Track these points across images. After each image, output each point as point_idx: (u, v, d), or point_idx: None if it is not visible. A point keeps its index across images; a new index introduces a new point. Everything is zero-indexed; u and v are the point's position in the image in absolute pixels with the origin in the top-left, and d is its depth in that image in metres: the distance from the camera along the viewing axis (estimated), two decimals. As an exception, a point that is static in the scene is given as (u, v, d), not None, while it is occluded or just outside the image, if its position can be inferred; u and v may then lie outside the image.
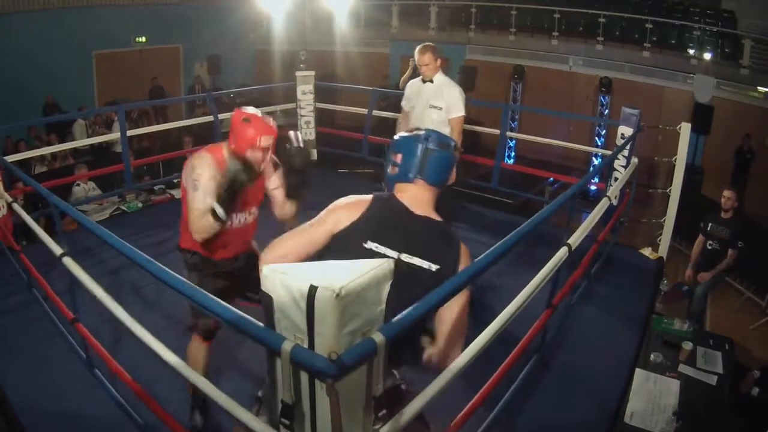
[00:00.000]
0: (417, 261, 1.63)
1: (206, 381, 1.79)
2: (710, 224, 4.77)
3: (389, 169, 1.78)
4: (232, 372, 2.85)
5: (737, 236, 4.60)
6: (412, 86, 3.98)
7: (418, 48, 3.82)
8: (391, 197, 1.73)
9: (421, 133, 1.76)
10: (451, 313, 1.63)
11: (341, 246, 1.63)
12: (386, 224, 1.66)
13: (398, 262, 1.56)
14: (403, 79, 5.86)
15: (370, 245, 1.62)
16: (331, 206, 1.71)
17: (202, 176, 2.21)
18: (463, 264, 1.68)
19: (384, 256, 1.60)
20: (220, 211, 2.15)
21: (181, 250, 2.46)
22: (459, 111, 3.72)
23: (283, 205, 2.48)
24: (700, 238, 4.89)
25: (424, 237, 1.67)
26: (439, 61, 3.81)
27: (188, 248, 2.41)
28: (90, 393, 2.66)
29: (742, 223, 4.74)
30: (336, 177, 6.16)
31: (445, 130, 3.78)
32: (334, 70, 11.58)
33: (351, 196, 1.75)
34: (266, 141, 2.26)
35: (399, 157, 1.75)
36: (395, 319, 1.34)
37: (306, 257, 1.63)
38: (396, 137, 1.82)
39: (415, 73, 5.63)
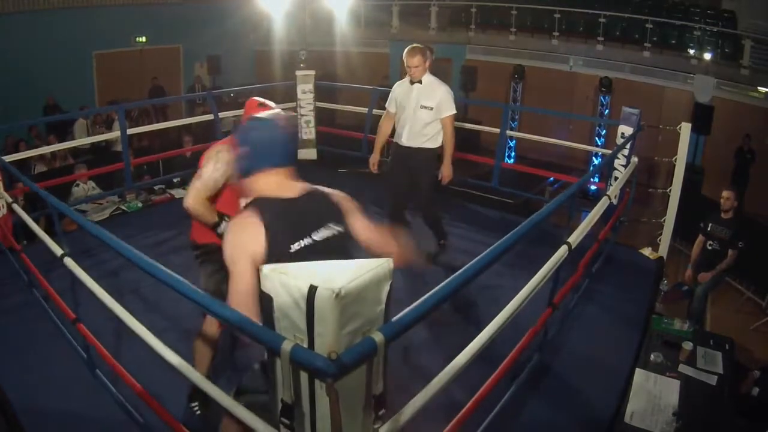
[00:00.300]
0: (325, 233, 1.71)
1: (207, 381, 1.79)
2: (710, 224, 4.77)
3: (237, 164, 1.79)
4: (233, 371, 2.85)
5: (737, 236, 4.60)
6: (401, 87, 3.97)
7: (406, 50, 3.82)
8: (262, 200, 1.71)
9: (254, 122, 1.79)
10: (368, 236, 1.80)
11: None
12: (287, 222, 1.66)
13: (316, 244, 1.67)
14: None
15: (294, 248, 1.64)
16: (227, 249, 1.64)
17: (219, 160, 2.33)
18: (345, 201, 1.80)
19: (307, 246, 1.65)
20: (224, 225, 2.30)
21: (197, 245, 2.49)
22: (449, 110, 3.77)
23: None
24: (700, 238, 4.89)
25: (315, 210, 1.74)
26: (428, 63, 3.82)
27: (205, 242, 2.44)
28: (91, 393, 2.66)
29: (742, 224, 4.74)
30: (336, 176, 6.16)
31: (437, 129, 3.84)
32: (334, 70, 11.58)
33: (232, 224, 1.74)
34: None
35: (243, 150, 1.75)
36: (395, 318, 1.34)
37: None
38: (236, 132, 1.84)
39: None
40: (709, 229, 4.77)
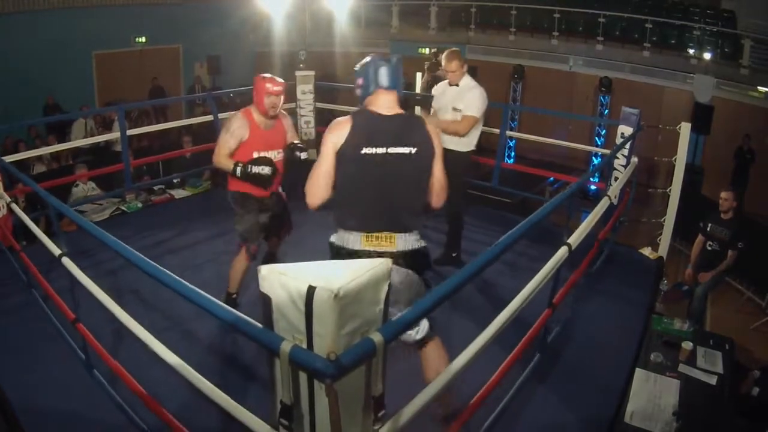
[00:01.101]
0: (400, 150, 2.08)
1: (207, 382, 1.79)
2: (710, 225, 4.76)
3: (357, 92, 2.23)
4: (232, 372, 2.85)
5: (737, 237, 4.59)
6: (439, 90, 4.13)
7: (444, 54, 3.98)
8: (364, 110, 2.16)
9: (368, 59, 2.21)
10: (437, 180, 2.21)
11: (345, 159, 2.07)
12: (369, 130, 2.08)
13: (387, 155, 2.06)
14: (421, 84, 5.82)
15: (365, 150, 2.05)
16: (324, 137, 2.12)
17: (232, 125, 3.10)
18: (435, 136, 2.15)
19: (378, 154, 2.05)
20: (239, 169, 3.06)
21: (228, 192, 3.25)
22: (471, 111, 3.79)
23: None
24: (700, 238, 4.88)
25: (398, 130, 2.10)
26: (464, 67, 3.93)
27: (232, 190, 3.22)
28: (90, 393, 2.66)
29: (741, 224, 4.74)
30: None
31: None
32: (334, 71, 11.58)
33: (334, 120, 2.15)
34: (276, 87, 3.11)
35: (360, 81, 2.21)
36: (394, 318, 1.34)
37: (331, 181, 2.11)
38: (355, 68, 2.26)
39: (433, 78, 5.61)
40: (708, 229, 4.77)
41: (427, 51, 12.19)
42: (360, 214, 2.14)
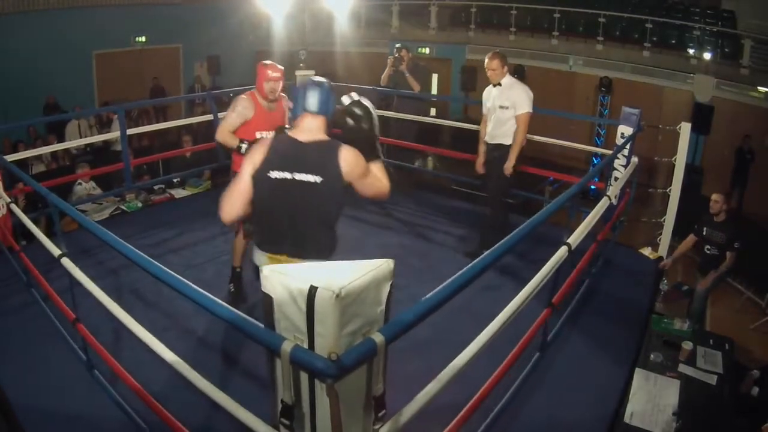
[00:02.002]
0: (305, 177, 2.09)
1: (207, 382, 1.79)
2: (705, 229, 4.74)
3: (288, 114, 2.34)
4: (232, 371, 2.86)
5: (733, 238, 4.59)
6: (487, 91, 4.33)
7: (488, 55, 4.20)
8: (284, 134, 2.25)
9: (302, 81, 2.30)
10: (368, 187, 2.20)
11: (257, 180, 2.13)
12: (282, 154, 2.13)
13: (293, 181, 2.09)
14: (383, 76, 5.96)
15: (273, 174, 2.11)
16: (246, 156, 2.22)
17: (238, 105, 3.31)
18: (345, 165, 2.09)
19: (284, 179, 2.09)
20: (244, 146, 3.20)
21: (233, 173, 3.24)
22: (523, 108, 4.03)
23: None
24: (691, 237, 4.87)
25: (309, 157, 2.12)
26: (505, 68, 4.13)
27: (236, 170, 3.13)
28: (90, 393, 2.66)
29: (736, 225, 4.73)
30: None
31: (515, 128, 4.10)
32: (334, 70, 11.58)
33: (254, 144, 2.27)
34: (275, 74, 3.28)
35: (291, 104, 2.25)
36: (394, 319, 1.34)
37: (247, 198, 2.15)
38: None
39: (395, 72, 5.78)
40: (704, 233, 4.76)
41: (427, 51, 12.22)
42: (265, 235, 2.24)
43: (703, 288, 4.67)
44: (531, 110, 4.05)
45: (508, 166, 4.14)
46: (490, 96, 4.26)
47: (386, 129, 6.11)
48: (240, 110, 3.30)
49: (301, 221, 2.14)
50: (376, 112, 2.28)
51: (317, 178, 2.08)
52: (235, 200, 2.14)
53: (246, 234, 3.36)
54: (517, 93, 4.05)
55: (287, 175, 2.09)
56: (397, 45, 5.95)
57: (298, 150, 2.12)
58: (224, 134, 3.30)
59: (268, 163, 2.11)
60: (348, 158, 2.10)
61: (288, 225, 2.15)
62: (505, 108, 4.09)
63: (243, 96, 3.37)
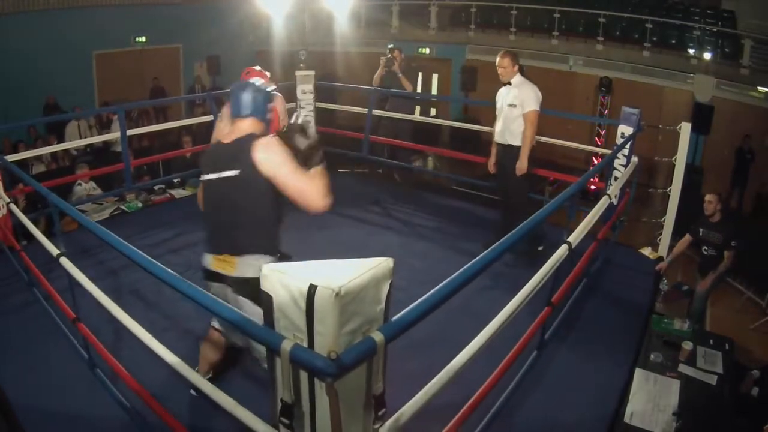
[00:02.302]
0: (227, 173, 2.17)
1: (207, 382, 1.79)
2: (701, 230, 4.73)
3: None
4: (232, 371, 2.85)
5: (729, 238, 4.58)
6: (498, 91, 4.36)
7: (499, 53, 4.31)
8: (218, 140, 2.37)
9: (234, 84, 2.34)
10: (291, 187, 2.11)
11: (201, 186, 2.34)
12: (211, 158, 2.30)
13: (219, 180, 2.20)
14: (375, 77, 5.98)
15: (205, 176, 2.28)
16: None
17: (224, 111, 3.24)
18: (257, 154, 2.11)
19: (212, 179, 2.23)
20: None
21: None
22: (530, 106, 4.07)
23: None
24: (686, 237, 4.86)
25: (228, 155, 2.21)
26: (516, 67, 4.22)
27: None
28: (91, 393, 2.66)
29: (732, 224, 4.71)
30: (336, 177, 6.16)
31: (521, 126, 4.13)
32: (334, 71, 11.58)
33: None
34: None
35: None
36: (394, 318, 1.34)
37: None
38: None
39: (387, 72, 5.82)
40: (701, 234, 4.74)
41: (427, 51, 12.21)
42: (207, 236, 2.32)
43: (703, 289, 4.66)
44: (538, 109, 4.07)
45: (520, 166, 4.15)
46: (500, 95, 4.31)
47: (378, 128, 6.13)
48: (224, 114, 3.27)
49: (232, 217, 2.21)
50: (312, 129, 2.39)
51: (235, 172, 2.16)
52: (200, 198, 2.39)
53: None
54: (525, 92, 4.09)
55: (213, 176, 2.23)
56: (390, 45, 5.98)
57: (222, 150, 2.25)
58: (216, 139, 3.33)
59: (203, 168, 2.30)
60: (261, 148, 2.13)
61: (222, 223, 2.24)
62: (513, 106, 4.13)
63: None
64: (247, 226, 2.21)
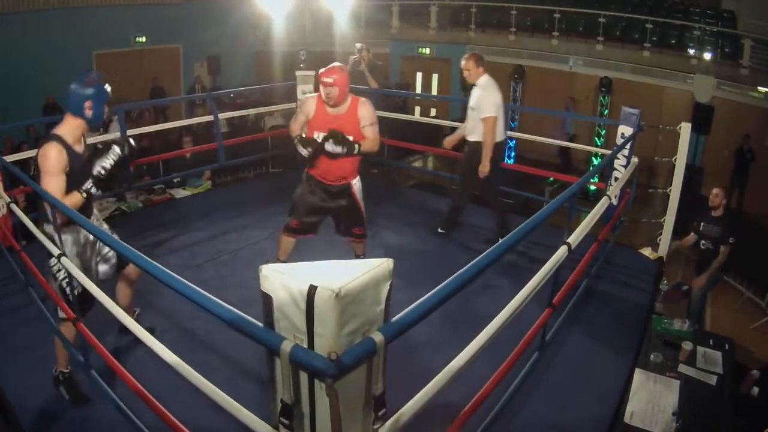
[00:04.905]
0: None
1: (207, 382, 1.79)
2: (702, 224, 4.77)
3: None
4: (232, 371, 2.85)
5: (728, 233, 4.60)
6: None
7: (463, 56, 4.26)
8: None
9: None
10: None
11: None
12: None
13: None
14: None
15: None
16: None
17: (304, 102, 3.41)
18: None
19: None
20: (303, 151, 3.20)
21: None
22: (484, 112, 4.09)
23: (367, 142, 3.32)
24: (692, 235, 4.89)
25: None
26: (480, 69, 4.18)
27: (306, 169, 3.48)
28: (90, 393, 2.66)
29: (732, 220, 4.75)
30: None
31: (480, 128, 4.16)
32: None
33: None
34: (327, 79, 3.19)
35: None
36: (394, 319, 1.34)
37: None
38: None
39: (354, 72, 5.89)
40: (701, 228, 4.78)
41: (427, 51, 12.22)
42: None
43: (698, 288, 4.68)
44: (494, 114, 4.07)
45: (482, 169, 4.19)
46: (469, 95, 4.35)
47: (386, 128, 6.12)
48: (302, 106, 3.39)
49: None
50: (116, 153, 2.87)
51: None
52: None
53: (286, 230, 3.52)
54: (483, 97, 4.11)
55: None
56: (358, 45, 6.08)
57: None
58: (293, 129, 3.40)
59: None
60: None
61: None
62: (473, 109, 4.18)
63: (311, 95, 3.45)
64: None
